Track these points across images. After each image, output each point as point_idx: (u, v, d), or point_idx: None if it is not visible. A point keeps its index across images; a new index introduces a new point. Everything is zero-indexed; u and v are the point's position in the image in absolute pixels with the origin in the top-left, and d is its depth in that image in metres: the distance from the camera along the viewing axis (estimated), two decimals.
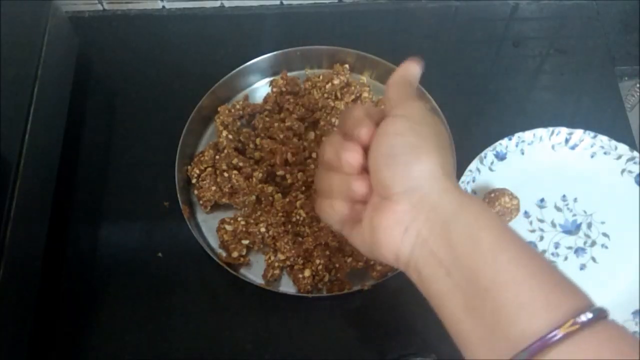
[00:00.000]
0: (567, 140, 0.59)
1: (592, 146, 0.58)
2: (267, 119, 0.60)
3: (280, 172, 0.57)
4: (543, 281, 0.30)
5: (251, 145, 0.59)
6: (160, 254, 0.56)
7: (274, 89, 0.62)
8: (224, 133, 0.59)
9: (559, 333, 0.28)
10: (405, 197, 0.33)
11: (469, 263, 0.31)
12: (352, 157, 0.36)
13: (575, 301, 0.30)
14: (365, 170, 0.37)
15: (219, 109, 0.61)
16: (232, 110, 0.61)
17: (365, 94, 0.62)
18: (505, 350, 0.29)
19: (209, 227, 0.57)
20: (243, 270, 0.55)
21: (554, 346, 0.28)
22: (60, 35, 0.59)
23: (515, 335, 0.29)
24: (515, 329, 0.29)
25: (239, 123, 0.62)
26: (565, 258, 0.55)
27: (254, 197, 0.56)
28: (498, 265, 0.31)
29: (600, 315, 0.29)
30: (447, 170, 0.35)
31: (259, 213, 0.55)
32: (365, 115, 0.37)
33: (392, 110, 0.36)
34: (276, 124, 0.59)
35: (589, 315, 0.29)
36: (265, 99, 0.63)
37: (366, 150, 0.36)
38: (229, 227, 0.55)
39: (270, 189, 0.55)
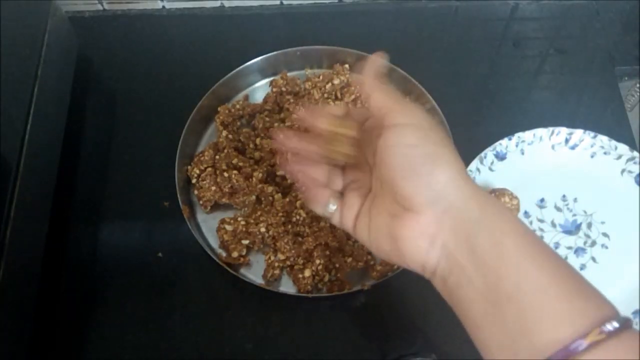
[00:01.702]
0: (567, 140, 0.59)
1: (592, 146, 0.58)
2: (267, 119, 0.60)
3: (280, 172, 0.57)
4: (568, 288, 0.30)
5: (251, 145, 0.59)
6: (160, 254, 0.56)
7: (274, 89, 0.62)
8: (224, 133, 0.59)
9: (585, 342, 0.27)
10: (429, 207, 0.32)
11: (493, 269, 0.31)
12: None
13: (600, 309, 0.29)
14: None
15: (219, 109, 0.61)
16: (232, 110, 0.61)
17: None
18: (527, 358, 0.29)
19: (209, 227, 0.57)
20: (243, 270, 0.55)
21: (579, 356, 0.27)
22: (60, 35, 0.59)
23: (539, 344, 0.28)
24: (539, 337, 0.29)
25: (239, 123, 0.62)
26: (565, 258, 0.55)
27: (254, 197, 0.56)
28: (522, 272, 0.30)
29: (626, 324, 0.28)
30: (464, 173, 0.33)
31: (259, 213, 0.55)
32: (346, 114, 0.37)
33: (389, 118, 0.34)
34: (276, 124, 0.59)
35: (615, 324, 0.28)
36: (265, 99, 0.63)
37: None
38: (229, 227, 0.55)
39: (270, 189, 0.55)
